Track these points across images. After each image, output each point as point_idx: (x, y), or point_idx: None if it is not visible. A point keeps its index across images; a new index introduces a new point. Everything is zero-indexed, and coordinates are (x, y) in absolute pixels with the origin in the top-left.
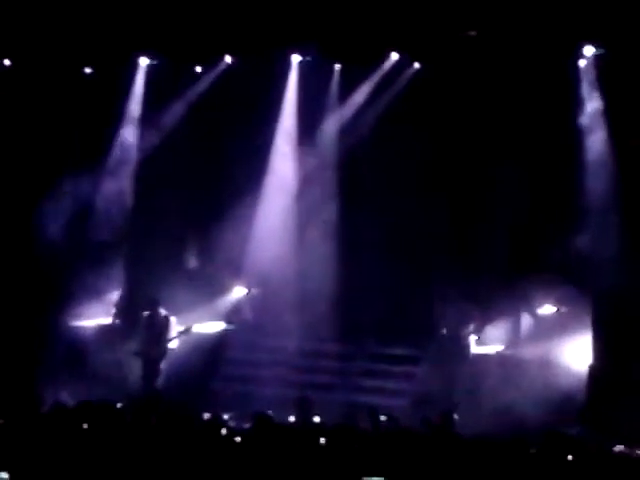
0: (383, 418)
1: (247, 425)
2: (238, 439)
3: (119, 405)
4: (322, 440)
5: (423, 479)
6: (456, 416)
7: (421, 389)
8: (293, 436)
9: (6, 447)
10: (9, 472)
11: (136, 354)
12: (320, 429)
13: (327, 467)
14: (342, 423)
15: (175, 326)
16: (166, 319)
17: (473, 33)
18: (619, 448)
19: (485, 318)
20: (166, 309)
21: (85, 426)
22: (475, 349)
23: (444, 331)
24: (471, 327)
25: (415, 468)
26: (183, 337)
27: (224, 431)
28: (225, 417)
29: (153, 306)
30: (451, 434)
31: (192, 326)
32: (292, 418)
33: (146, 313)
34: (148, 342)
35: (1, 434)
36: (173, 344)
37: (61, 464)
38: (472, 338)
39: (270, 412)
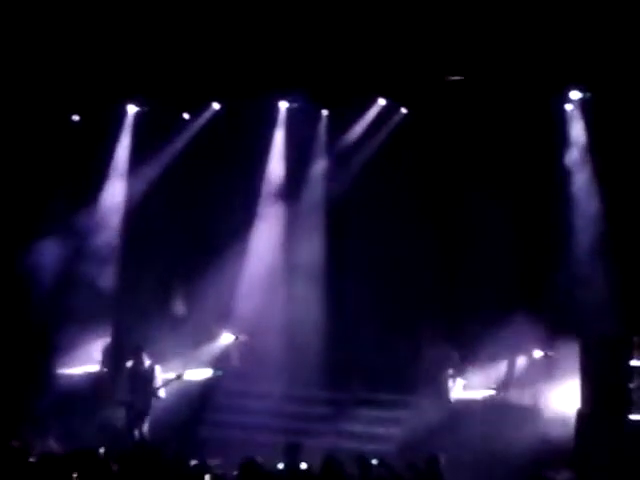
0: (375, 462)
1: (234, 472)
2: None
3: (103, 452)
4: None
5: None
6: (442, 461)
7: (407, 434)
8: None
9: None
10: None
11: (121, 403)
12: (309, 476)
13: None
14: (330, 469)
15: (160, 374)
16: (151, 368)
17: (458, 78)
18: None
19: (470, 362)
20: (153, 356)
21: (74, 475)
22: (460, 393)
23: (428, 376)
24: (455, 371)
25: None
26: (174, 384)
27: (208, 478)
28: (212, 464)
29: (137, 354)
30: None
31: (182, 374)
32: (281, 465)
33: (130, 362)
34: (132, 391)
35: None
36: (162, 392)
37: None
38: (457, 382)
39: (259, 458)
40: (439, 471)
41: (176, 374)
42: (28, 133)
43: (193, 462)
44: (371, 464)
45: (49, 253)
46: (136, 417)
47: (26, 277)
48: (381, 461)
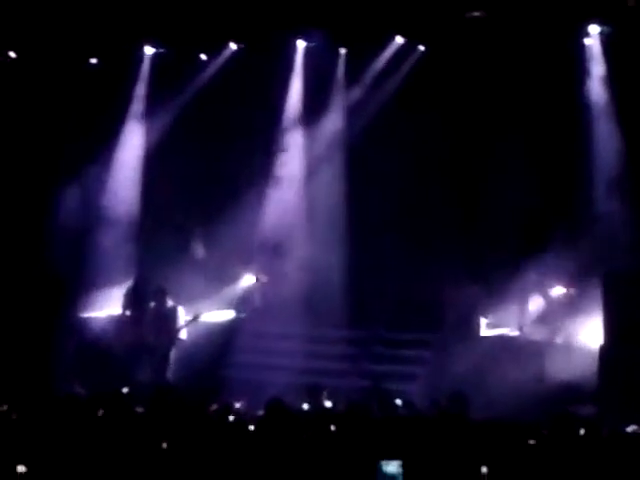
0: (399, 402)
1: (259, 412)
2: (252, 427)
3: (127, 393)
4: (333, 427)
5: (437, 462)
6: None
7: (432, 373)
8: (307, 422)
9: (21, 440)
10: (25, 465)
11: (145, 345)
12: (334, 415)
13: (343, 452)
14: (354, 408)
15: (183, 316)
16: (173, 309)
17: (478, 14)
18: (632, 428)
19: (494, 301)
20: (175, 299)
21: (99, 413)
22: (485, 332)
23: (452, 314)
24: (480, 310)
25: (430, 451)
26: (192, 325)
27: (232, 418)
28: (236, 405)
29: (160, 296)
30: (462, 417)
31: (200, 314)
32: (305, 405)
33: (153, 304)
34: (156, 333)
35: (15, 427)
36: (182, 334)
37: (75, 455)
38: (482, 320)
39: (284, 398)
40: (464, 408)
41: (193, 314)
42: (47, 78)
43: (215, 405)
44: (395, 404)
45: (70, 197)
46: (160, 359)
47: (47, 223)
48: (405, 400)
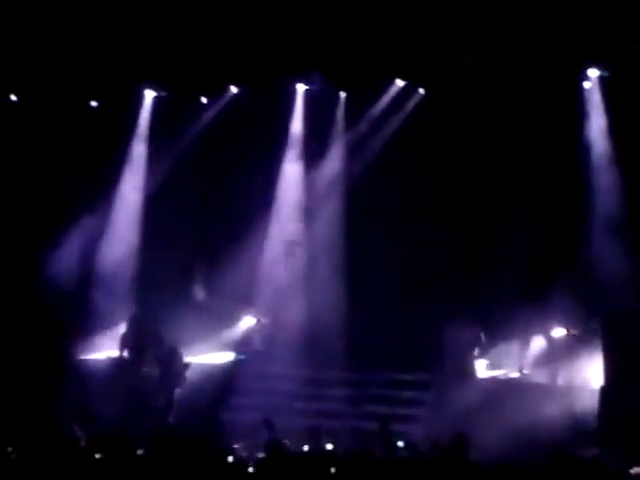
0: (401, 444)
1: (259, 454)
2: (251, 469)
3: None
4: (333, 469)
5: None
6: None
7: (432, 414)
8: (308, 465)
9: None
10: None
11: (145, 388)
12: (335, 457)
13: None
14: (357, 451)
15: (183, 358)
16: (172, 352)
17: (474, 58)
18: (636, 470)
19: (494, 341)
20: (175, 341)
21: (99, 456)
22: (485, 373)
23: (451, 356)
24: (478, 350)
25: None
26: (188, 371)
27: (231, 459)
28: (236, 447)
29: (158, 340)
30: (464, 460)
31: (190, 363)
32: (306, 447)
33: (152, 347)
34: (156, 376)
35: (16, 467)
36: (183, 377)
37: None
38: (482, 361)
39: (285, 440)
40: (464, 450)
41: (184, 363)
42: (46, 119)
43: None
44: (396, 445)
45: (71, 242)
46: (160, 401)
47: (47, 267)
48: (407, 442)
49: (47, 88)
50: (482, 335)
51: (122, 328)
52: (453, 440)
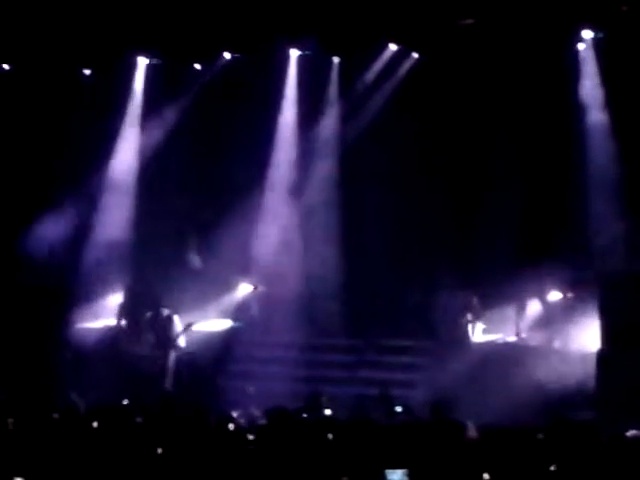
0: (399, 409)
1: (261, 421)
2: (251, 436)
3: (126, 404)
4: (334, 435)
5: (441, 469)
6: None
7: (429, 380)
8: (311, 430)
9: (20, 450)
10: (24, 476)
11: (142, 356)
12: (334, 423)
13: (347, 461)
14: (357, 416)
15: (179, 325)
16: (169, 318)
17: (470, 21)
18: (632, 432)
19: (489, 306)
20: (172, 309)
21: (97, 425)
22: (480, 337)
23: (447, 321)
24: (474, 315)
25: (433, 459)
26: (186, 334)
27: (232, 427)
28: (234, 414)
29: (155, 306)
30: (451, 422)
31: (193, 323)
32: (305, 414)
33: (149, 314)
34: (154, 343)
35: (14, 437)
36: (181, 342)
37: (74, 466)
38: (477, 326)
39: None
40: (445, 416)
41: (186, 324)
42: (39, 87)
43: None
44: (395, 410)
45: (66, 211)
46: (158, 368)
47: (44, 235)
48: (405, 407)
49: (39, 57)
50: (475, 300)
51: (118, 297)
52: (433, 408)
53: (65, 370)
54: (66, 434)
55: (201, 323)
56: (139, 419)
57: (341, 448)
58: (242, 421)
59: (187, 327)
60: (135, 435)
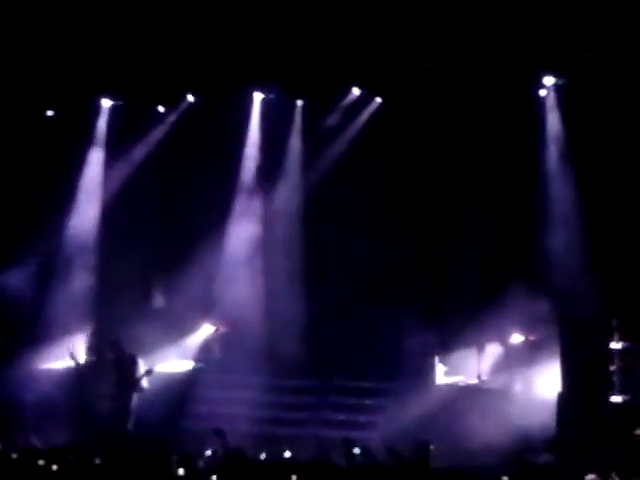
0: (357, 451)
1: (219, 462)
2: (214, 477)
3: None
4: (294, 478)
5: None
6: (432, 447)
7: (391, 422)
8: (267, 473)
9: None
10: None
11: (104, 396)
12: (295, 465)
13: None
14: (316, 458)
15: (142, 365)
16: (132, 359)
17: (429, 66)
18: (590, 477)
19: (452, 348)
20: (134, 349)
21: (57, 467)
22: (443, 379)
23: (410, 363)
24: (436, 358)
25: None
26: (147, 378)
27: (190, 468)
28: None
29: (116, 348)
30: (427, 467)
31: (154, 368)
32: (263, 455)
33: (110, 356)
34: (115, 384)
35: None
36: (143, 383)
37: None
38: (439, 369)
39: (244, 449)
40: (427, 458)
41: (147, 368)
42: (3, 131)
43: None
44: (354, 452)
45: (28, 250)
46: (119, 410)
47: (4, 274)
48: (364, 450)
49: (2, 98)
50: (438, 342)
51: (80, 338)
52: (416, 448)
53: (26, 410)
54: (24, 474)
55: (163, 364)
56: (98, 460)
57: None
58: (201, 463)
59: (148, 372)
60: (93, 476)
